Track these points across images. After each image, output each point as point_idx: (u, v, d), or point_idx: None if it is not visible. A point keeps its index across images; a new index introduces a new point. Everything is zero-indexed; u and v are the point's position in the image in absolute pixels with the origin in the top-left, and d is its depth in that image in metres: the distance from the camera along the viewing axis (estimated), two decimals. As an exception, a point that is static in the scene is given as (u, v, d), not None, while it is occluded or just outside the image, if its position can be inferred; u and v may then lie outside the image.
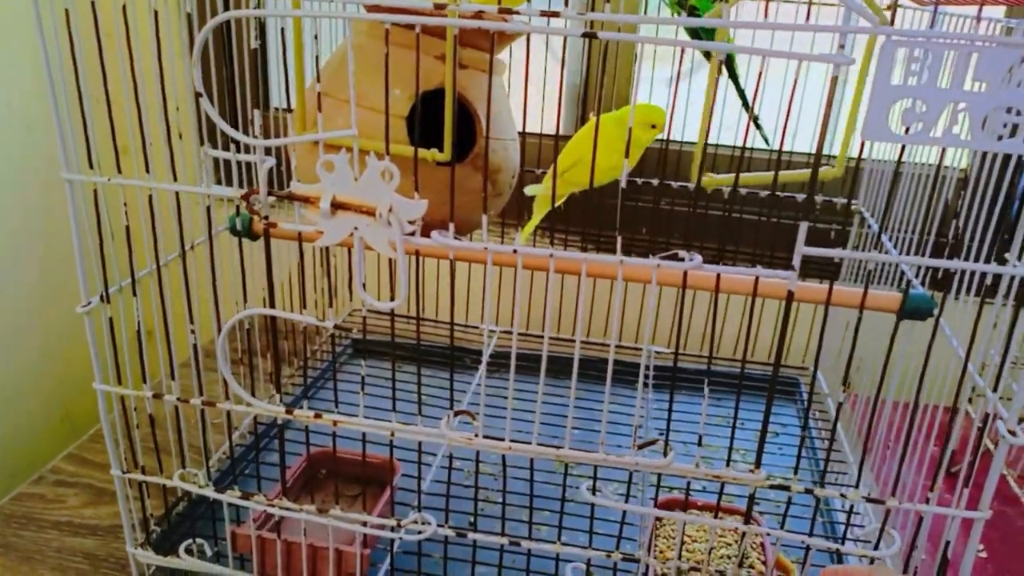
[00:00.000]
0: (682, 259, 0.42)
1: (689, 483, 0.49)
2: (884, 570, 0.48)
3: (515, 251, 0.44)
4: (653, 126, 0.61)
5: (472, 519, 0.54)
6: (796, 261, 0.41)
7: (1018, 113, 0.35)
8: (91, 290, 0.52)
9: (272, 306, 0.48)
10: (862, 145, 0.44)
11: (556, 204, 0.63)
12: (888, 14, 0.66)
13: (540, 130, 0.92)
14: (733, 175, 0.49)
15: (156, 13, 0.47)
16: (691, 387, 0.90)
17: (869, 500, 0.47)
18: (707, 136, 0.46)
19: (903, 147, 0.42)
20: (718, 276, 0.43)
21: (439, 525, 0.53)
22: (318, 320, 0.47)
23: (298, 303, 0.73)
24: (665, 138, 0.66)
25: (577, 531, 0.57)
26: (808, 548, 0.49)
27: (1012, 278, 0.42)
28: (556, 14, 0.39)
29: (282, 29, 0.45)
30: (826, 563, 0.64)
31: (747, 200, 0.90)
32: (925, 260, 0.42)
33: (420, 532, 0.52)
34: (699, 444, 0.47)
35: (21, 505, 0.70)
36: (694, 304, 0.93)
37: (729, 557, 0.61)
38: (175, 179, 0.51)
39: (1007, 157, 0.54)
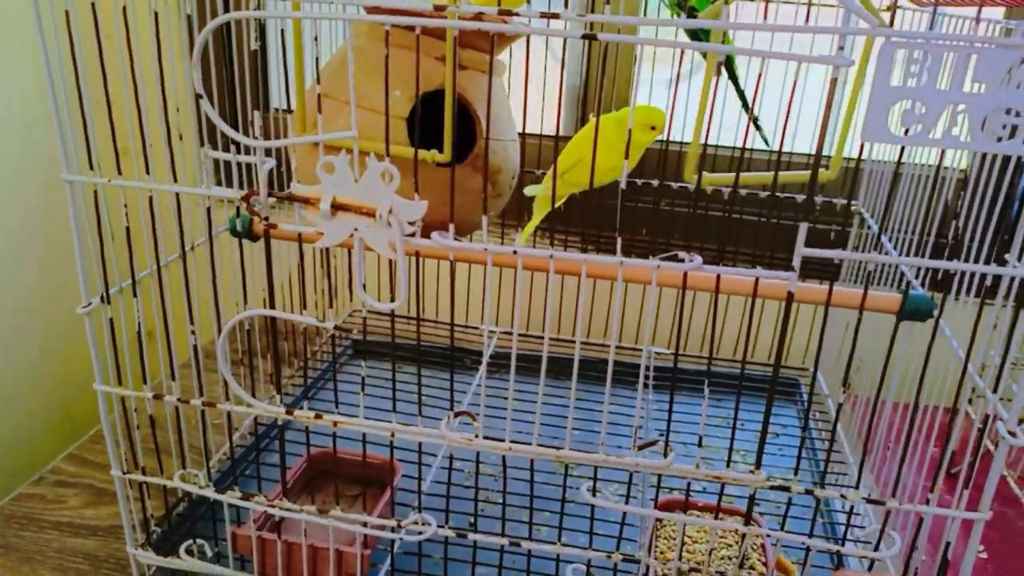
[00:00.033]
0: (682, 260, 0.42)
1: (689, 484, 0.49)
2: None
3: (515, 252, 0.44)
4: (653, 128, 0.61)
5: (472, 520, 0.54)
6: (796, 262, 0.41)
7: (1017, 114, 0.35)
8: (91, 291, 0.52)
9: (272, 307, 0.48)
10: (861, 146, 0.44)
11: (556, 205, 0.63)
12: (886, 16, 0.66)
13: (540, 131, 0.92)
14: (729, 174, 0.49)
15: (156, 14, 0.47)
16: (691, 388, 0.90)
17: (869, 501, 0.47)
18: (702, 135, 0.47)
19: (903, 148, 0.42)
20: (718, 277, 0.43)
21: (439, 526, 0.53)
22: (318, 321, 0.47)
23: (298, 304, 0.73)
24: (665, 139, 0.66)
25: (577, 532, 0.58)
26: (808, 549, 0.49)
27: (1012, 279, 0.42)
28: (556, 16, 0.39)
29: (282, 31, 0.45)
30: (826, 564, 0.64)
31: (747, 201, 0.90)
32: (925, 261, 0.42)
33: (420, 533, 0.52)
34: (699, 445, 0.47)
35: (21, 505, 0.70)
36: (694, 305, 0.94)
37: (730, 558, 0.61)
38: (175, 180, 0.51)
39: (1007, 158, 0.54)
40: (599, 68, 0.95)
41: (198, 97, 0.42)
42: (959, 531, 0.46)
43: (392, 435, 0.50)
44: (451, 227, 0.45)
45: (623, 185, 0.43)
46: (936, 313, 0.45)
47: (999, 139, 0.36)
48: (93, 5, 0.45)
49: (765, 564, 0.59)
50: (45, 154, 1.05)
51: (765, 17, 0.81)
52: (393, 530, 0.54)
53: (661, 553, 0.59)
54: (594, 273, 0.44)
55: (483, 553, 0.54)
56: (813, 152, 0.39)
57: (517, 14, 0.40)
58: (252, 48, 0.51)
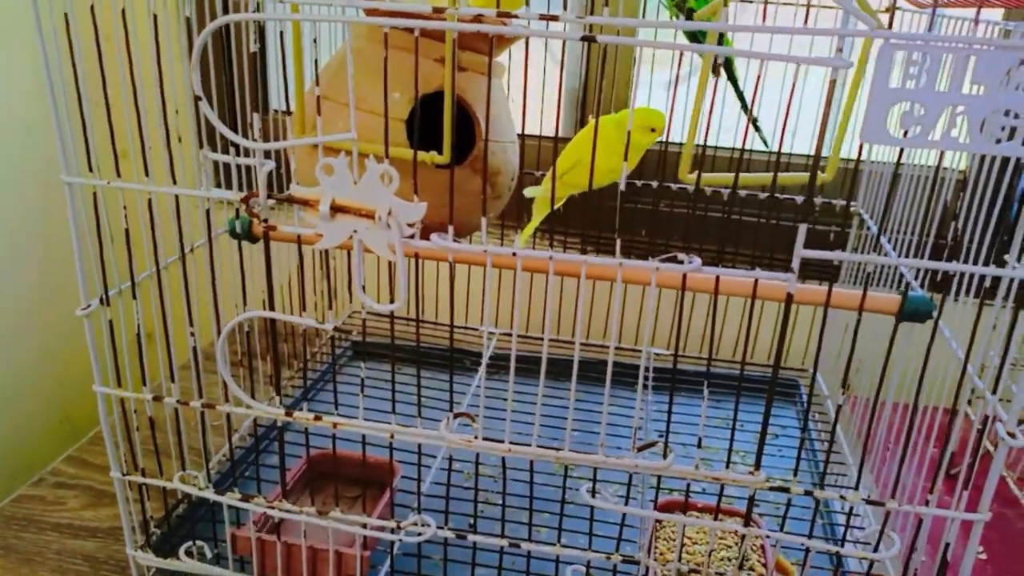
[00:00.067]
0: (681, 261, 0.42)
1: (689, 485, 0.49)
2: None
3: (514, 253, 0.44)
4: (652, 130, 0.61)
5: (472, 521, 0.54)
6: (795, 263, 0.41)
7: (1016, 116, 0.35)
8: (91, 293, 0.52)
9: (272, 308, 0.48)
10: (860, 148, 0.44)
11: (555, 206, 0.63)
12: (885, 17, 0.66)
13: (539, 132, 0.92)
14: (728, 175, 0.49)
15: (155, 17, 0.47)
16: (691, 389, 0.90)
17: (869, 502, 0.47)
18: (696, 134, 0.47)
19: (902, 149, 0.42)
20: (717, 278, 0.43)
21: (439, 527, 0.53)
22: (318, 322, 0.47)
23: (298, 305, 0.73)
24: (664, 140, 0.66)
25: (577, 533, 0.58)
26: (808, 550, 0.49)
27: (1011, 280, 0.42)
28: (555, 17, 0.39)
29: (281, 33, 0.46)
30: (825, 565, 0.64)
31: (746, 202, 0.91)
32: (924, 262, 0.42)
33: (420, 534, 0.52)
34: (699, 446, 0.47)
35: (21, 507, 0.70)
36: (693, 306, 0.94)
37: (729, 559, 0.61)
38: (174, 182, 0.51)
39: (1006, 159, 0.54)
40: (598, 70, 0.95)
41: (197, 99, 0.42)
42: (958, 532, 0.46)
43: (392, 436, 0.50)
44: (450, 229, 0.45)
45: (622, 186, 0.43)
46: (935, 314, 0.45)
47: (998, 140, 0.36)
48: (92, 7, 0.46)
49: (765, 565, 0.59)
50: (44, 156, 1.05)
51: (764, 19, 0.81)
52: (393, 531, 0.54)
53: (661, 554, 0.59)
54: (593, 274, 0.44)
55: (483, 554, 0.54)
56: (812, 153, 0.39)
57: (516, 16, 0.40)
58: (251, 50, 0.51)
